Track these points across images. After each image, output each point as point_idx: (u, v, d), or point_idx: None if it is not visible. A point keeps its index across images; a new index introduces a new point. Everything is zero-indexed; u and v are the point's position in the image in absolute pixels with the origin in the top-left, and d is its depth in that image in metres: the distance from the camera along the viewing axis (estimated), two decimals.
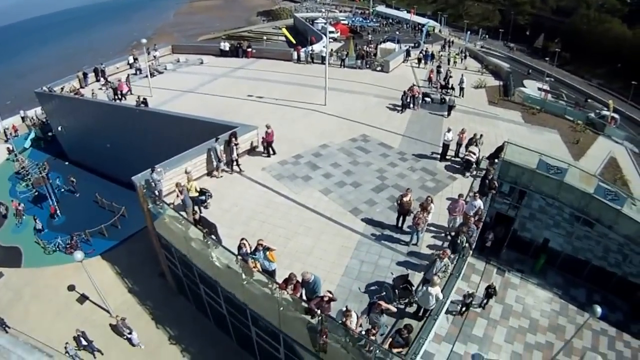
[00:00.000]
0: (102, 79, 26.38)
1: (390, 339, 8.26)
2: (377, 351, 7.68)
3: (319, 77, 25.91)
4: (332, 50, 33.93)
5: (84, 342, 13.11)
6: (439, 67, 26.88)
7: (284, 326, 9.53)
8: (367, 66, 29.17)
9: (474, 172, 15.54)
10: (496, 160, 15.41)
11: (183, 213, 11.53)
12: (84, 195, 22.78)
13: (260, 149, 15.99)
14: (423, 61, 31.59)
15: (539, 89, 37.96)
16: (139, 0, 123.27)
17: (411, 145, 17.62)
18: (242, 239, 9.48)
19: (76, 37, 79.61)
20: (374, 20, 71.70)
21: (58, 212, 21.06)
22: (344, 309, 8.27)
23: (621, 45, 50.07)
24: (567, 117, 22.32)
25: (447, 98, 22.05)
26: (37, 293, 16.28)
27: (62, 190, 23.45)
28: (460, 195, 12.10)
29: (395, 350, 7.72)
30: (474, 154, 15.34)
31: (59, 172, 24.44)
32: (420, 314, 9.24)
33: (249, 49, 31.66)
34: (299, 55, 30.45)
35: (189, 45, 34.53)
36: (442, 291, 8.96)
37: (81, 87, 25.37)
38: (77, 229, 19.21)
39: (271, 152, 15.79)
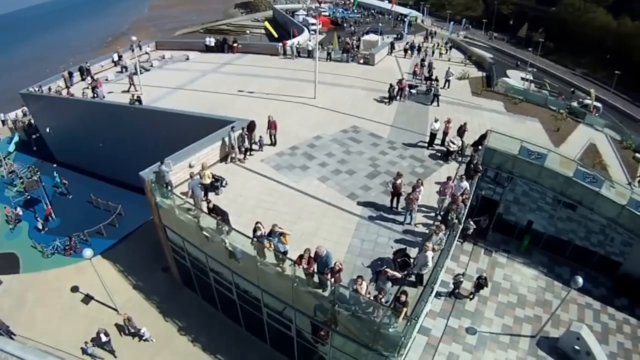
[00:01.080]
0: (89, 77, 26.96)
1: (392, 306, 9.81)
2: (385, 316, 9.22)
3: (307, 71, 27.40)
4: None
5: (104, 339, 13.94)
6: (422, 60, 28.67)
7: (296, 302, 10.96)
8: (352, 59, 30.68)
9: (459, 159, 17.28)
10: (480, 147, 17.23)
11: (190, 200, 12.75)
12: (77, 196, 23.47)
13: (267, 141, 17.27)
14: (409, 52, 33.37)
15: (522, 78, 40.41)
16: None
17: (400, 134, 19.28)
18: (257, 222, 10.85)
19: (50, 34, 78.59)
20: (355, 11, 73.29)
21: (52, 214, 21.70)
22: (354, 277, 9.78)
23: (606, 35, 52.69)
24: (549, 107, 24.41)
25: (431, 88, 23.87)
26: (40, 297, 16.85)
27: (60, 188, 24.03)
28: (449, 178, 13.79)
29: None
30: (454, 143, 17.10)
31: (48, 174, 25.02)
32: (418, 283, 10.85)
33: (235, 44, 32.77)
34: (285, 50, 31.73)
35: (173, 41, 35.39)
36: (436, 260, 10.60)
37: (67, 86, 25.94)
38: (73, 231, 19.89)
39: (274, 141, 17.15)
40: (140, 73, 28.24)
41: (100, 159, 24.01)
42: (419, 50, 34.82)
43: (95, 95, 24.13)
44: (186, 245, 14.03)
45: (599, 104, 32.20)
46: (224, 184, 14.36)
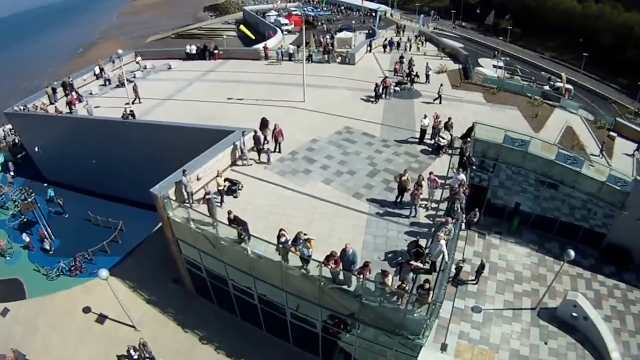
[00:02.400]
0: (73, 92, 26.62)
1: (417, 294, 10.76)
2: (410, 303, 10.14)
3: (292, 75, 28.01)
4: (296, 46, 35.88)
5: (135, 356, 14.27)
6: (401, 57, 29.70)
7: (322, 300, 11.75)
8: (330, 59, 31.26)
9: (449, 152, 18.41)
10: (468, 139, 18.39)
11: (200, 210, 13.19)
12: (74, 214, 23.36)
13: (271, 147, 17.82)
14: (388, 48, 34.41)
15: (494, 66, 42.18)
16: (75, 3, 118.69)
17: (391, 132, 20.28)
18: (281, 230, 11.53)
19: (18, 47, 75.13)
20: (325, 8, 73.95)
21: (51, 236, 21.44)
22: (380, 271, 10.69)
23: (571, 19, 55.44)
24: (524, 94, 25.98)
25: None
26: (52, 322, 16.79)
27: (54, 205, 23.75)
28: (431, 173, 14.89)
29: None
30: (444, 138, 18.23)
31: (39, 194, 24.35)
32: (432, 270, 11.83)
33: (216, 51, 32.89)
34: (266, 54, 32.13)
35: (153, 50, 35.19)
36: (447, 247, 11.62)
37: (51, 102, 25.62)
38: (75, 250, 19.82)
39: (279, 148, 17.74)
40: (123, 85, 28.29)
41: (94, 176, 23.92)
42: (397, 46, 35.88)
43: (72, 111, 23.99)
44: (203, 257, 14.47)
45: (570, 86, 34.15)
46: (240, 187, 14.92)
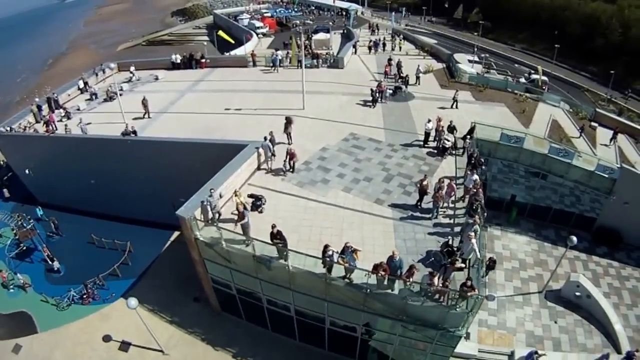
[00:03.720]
0: (61, 109, 25.79)
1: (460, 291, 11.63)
2: (454, 299, 10.98)
3: (285, 82, 28.35)
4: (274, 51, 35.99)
5: None
6: (390, 59, 30.48)
7: (366, 306, 12.41)
8: (319, 64, 31.57)
9: (453, 152, 19.44)
10: (469, 139, 19.46)
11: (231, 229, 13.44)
12: (74, 237, 22.63)
13: (284, 166, 17.86)
14: (373, 50, 35.25)
15: (470, 61, 43.91)
16: (40, 14, 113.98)
17: (395, 136, 21.09)
18: (327, 244, 12.08)
19: None
20: (296, 9, 73.94)
21: (56, 264, 20.73)
22: (427, 273, 11.55)
23: (539, 11, 58.22)
24: (508, 90, 27.54)
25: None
26: (70, 355, 16.37)
27: (53, 223, 23.04)
28: (451, 180, 16.02)
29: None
30: (448, 140, 19.24)
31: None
32: (463, 267, 12.74)
33: (203, 60, 32.52)
34: (254, 61, 32.12)
35: (136, 61, 34.18)
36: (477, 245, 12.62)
37: (37, 121, 24.77)
38: (82, 276, 19.29)
39: (293, 168, 17.82)
40: (112, 99, 27.55)
41: (93, 196, 23.29)
42: (383, 46, 36.79)
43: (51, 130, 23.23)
44: (234, 275, 14.63)
45: (545, 78, 36.11)
46: (264, 201, 15.17)
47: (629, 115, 36.09)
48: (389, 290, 11.91)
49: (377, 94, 24.22)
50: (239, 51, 42.00)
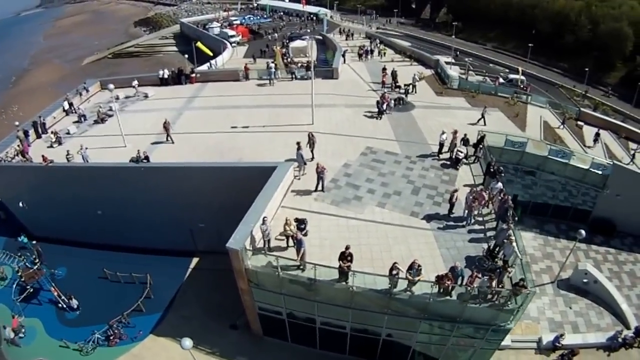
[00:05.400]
0: (50, 133, 24.81)
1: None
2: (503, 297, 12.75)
3: (286, 95, 28.78)
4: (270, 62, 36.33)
5: None
6: (384, 68, 31.72)
7: (426, 314, 13.60)
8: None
9: (466, 162, 20.84)
10: (480, 148, 21.01)
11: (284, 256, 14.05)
12: (84, 273, 21.64)
13: (312, 186, 18.45)
14: (364, 56, 36.50)
15: (447, 63, 46.24)
16: None
17: (409, 148, 22.32)
18: (395, 263, 13.06)
19: None
20: (266, 16, 73.86)
21: (74, 302, 19.85)
22: (486, 278, 12.98)
23: (508, 9, 61.17)
24: (497, 94, 29.70)
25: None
26: None
27: (37, 250, 21.86)
28: (481, 189, 17.20)
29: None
30: (461, 152, 20.71)
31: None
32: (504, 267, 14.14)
33: (193, 75, 32.19)
34: (247, 75, 32.25)
35: (121, 78, 33.20)
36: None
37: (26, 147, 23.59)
38: (100, 316, 18.54)
39: (322, 187, 18.44)
40: (103, 121, 26.73)
41: (100, 228, 22.42)
42: (371, 53, 38.12)
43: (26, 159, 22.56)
44: (286, 300, 15.13)
45: (523, 77, 38.76)
46: (307, 225, 15.73)
47: (604, 109, 39.72)
48: (449, 297, 13.09)
49: (383, 106, 25.24)
50: (213, 62, 41.45)
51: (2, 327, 18.69)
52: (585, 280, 19.80)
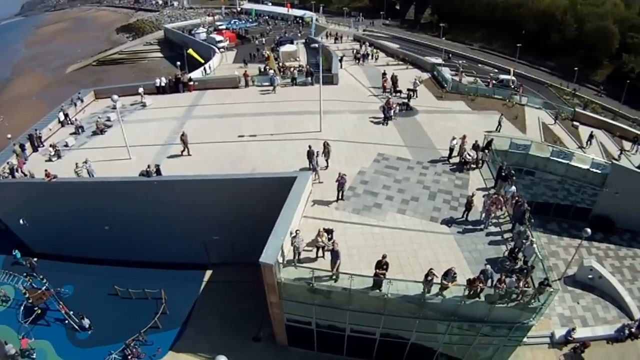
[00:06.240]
0: (49, 147, 24.37)
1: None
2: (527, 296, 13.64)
3: (290, 102, 28.98)
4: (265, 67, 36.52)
5: None
6: (384, 73, 32.36)
7: (455, 316, 14.29)
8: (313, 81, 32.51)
9: (473, 166, 21.61)
10: (487, 152, 21.85)
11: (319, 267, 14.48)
12: (92, 291, 21.31)
13: (332, 196, 18.80)
14: (361, 60, 37.09)
15: (438, 64, 47.33)
16: None
17: (419, 153, 22.97)
18: (431, 269, 13.56)
19: None
20: (251, 20, 73.64)
21: (86, 321, 19.57)
22: (514, 277, 13.88)
23: (494, 9, 62.31)
24: (496, 97, 30.82)
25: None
26: None
27: (30, 264, 21.75)
28: (499, 195, 18.01)
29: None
30: (470, 155, 21.50)
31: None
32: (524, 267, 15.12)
33: (191, 82, 32.07)
34: (246, 81, 32.31)
35: (116, 87, 32.66)
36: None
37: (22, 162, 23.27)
38: (114, 335, 18.37)
39: (342, 196, 18.83)
40: (102, 132, 26.34)
41: (107, 243, 22.14)
42: (365, 57, 38.80)
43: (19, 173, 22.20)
44: (316, 310, 15.50)
45: (514, 78, 40.00)
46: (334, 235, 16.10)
47: (593, 107, 41.42)
48: (478, 299, 13.81)
49: (390, 112, 25.81)
50: (206, 67, 41.31)
51: (4, 343, 18.40)
52: (590, 276, 21.00)
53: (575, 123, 29.54)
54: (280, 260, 14.93)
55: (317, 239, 15.25)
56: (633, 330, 18.73)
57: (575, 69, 47.79)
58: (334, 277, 14.57)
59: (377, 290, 14.08)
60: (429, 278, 13.38)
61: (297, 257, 15.46)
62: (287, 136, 24.64)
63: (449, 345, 15.87)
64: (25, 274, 21.39)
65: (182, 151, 23.13)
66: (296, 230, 15.36)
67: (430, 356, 16.26)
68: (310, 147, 20.20)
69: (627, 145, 28.54)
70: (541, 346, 18.43)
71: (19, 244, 23.92)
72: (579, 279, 21.35)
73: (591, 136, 27.65)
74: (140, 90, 30.19)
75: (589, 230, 19.90)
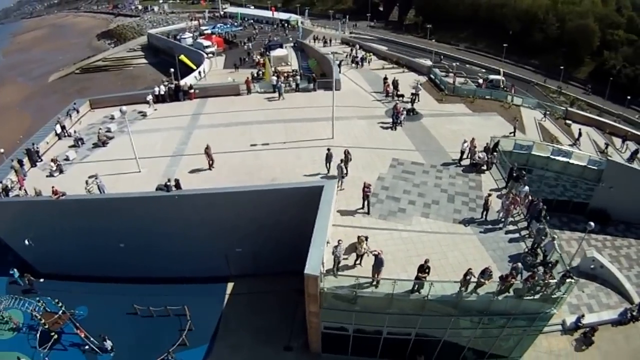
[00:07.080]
0: (51, 161, 23.80)
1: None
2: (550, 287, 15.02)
3: (297, 109, 29.46)
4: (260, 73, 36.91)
5: None
6: (385, 78, 33.32)
7: (489, 310, 15.46)
8: (316, 87, 33.23)
9: (484, 169, 22.86)
10: (495, 153, 23.11)
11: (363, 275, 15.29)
12: (109, 310, 20.85)
13: (358, 205, 19.42)
14: (360, 64, 37.91)
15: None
16: None
17: (431, 157, 24.04)
18: (469, 269, 14.56)
19: None
20: (236, 25, 73.27)
21: (109, 343, 19.19)
22: (541, 271, 15.20)
23: (477, 9, 64.05)
24: (494, 99, 32.28)
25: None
26: None
27: (28, 280, 21.62)
28: (515, 195, 19.29)
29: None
30: (480, 157, 22.74)
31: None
32: (545, 262, 16.46)
33: (192, 90, 32.06)
34: (249, 88, 32.58)
35: (113, 96, 32.17)
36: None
37: (21, 179, 22.62)
38: (138, 356, 18.36)
39: (368, 208, 19.24)
40: (104, 144, 26.02)
41: (122, 261, 21.70)
42: (364, 60, 39.68)
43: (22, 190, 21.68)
44: (355, 316, 16.22)
45: (502, 77, 41.67)
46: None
47: (579, 104, 43.64)
48: (507, 294, 15.05)
49: (400, 117, 26.71)
50: (196, 74, 41.26)
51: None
52: (592, 266, 22.66)
53: (568, 122, 31.39)
54: (323, 270, 15.47)
55: (357, 247, 15.94)
56: (634, 313, 20.52)
57: (562, 67, 49.84)
58: (374, 283, 15.31)
59: (418, 293, 14.93)
60: (468, 277, 14.34)
61: (337, 266, 16.05)
62: (300, 144, 25.12)
63: (477, 339, 17.08)
64: (37, 299, 20.68)
65: (211, 165, 22.99)
66: (338, 240, 15.99)
67: (460, 351, 17.42)
68: (329, 149, 21.05)
69: (617, 142, 30.52)
70: (555, 334, 19.85)
71: (21, 263, 23.21)
72: (582, 269, 22.97)
73: (580, 134, 29.47)
74: (149, 98, 29.86)
75: (592, 223, 21.37)
